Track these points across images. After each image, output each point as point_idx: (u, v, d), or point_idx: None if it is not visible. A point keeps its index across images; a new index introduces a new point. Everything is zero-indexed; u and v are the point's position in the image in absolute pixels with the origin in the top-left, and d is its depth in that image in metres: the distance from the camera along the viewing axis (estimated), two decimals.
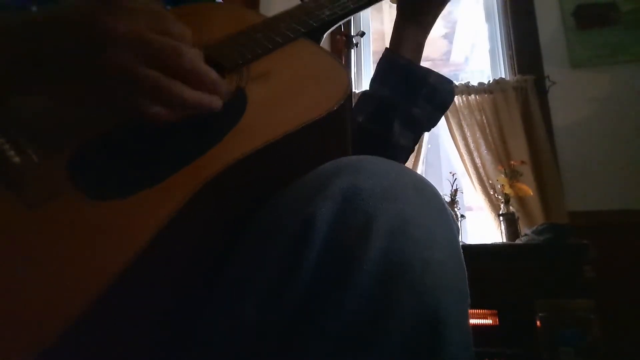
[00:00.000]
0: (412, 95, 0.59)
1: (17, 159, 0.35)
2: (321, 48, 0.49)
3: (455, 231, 0.34)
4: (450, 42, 3.49)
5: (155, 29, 0.35)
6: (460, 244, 0.34)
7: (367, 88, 0.63)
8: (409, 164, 2.13)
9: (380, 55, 0.63)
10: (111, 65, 0.34)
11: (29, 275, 0.28)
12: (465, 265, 0.33)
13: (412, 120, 0.60)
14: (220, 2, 0.66)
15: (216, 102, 0.38)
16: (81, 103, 0.37)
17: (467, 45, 3.47)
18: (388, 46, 0.62)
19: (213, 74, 0.38)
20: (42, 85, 0.36)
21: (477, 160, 2.18)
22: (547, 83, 2.20)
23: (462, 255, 0.33)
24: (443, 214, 0.33)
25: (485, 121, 2.23)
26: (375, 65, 0.63)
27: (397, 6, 0.62)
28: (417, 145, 2.24)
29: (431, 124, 0.63)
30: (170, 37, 0.36)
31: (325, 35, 0.56)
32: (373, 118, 0.60)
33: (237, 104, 0.40)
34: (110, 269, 0.28)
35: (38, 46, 0.35)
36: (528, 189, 1.92)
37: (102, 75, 0.34)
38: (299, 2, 0.55)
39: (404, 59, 0.60)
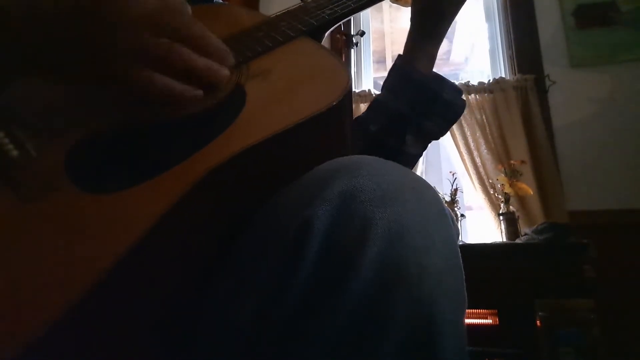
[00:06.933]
0: (425, 110, 0.60)
1: (15, 153, 0.35)
2: (321, 46, 0.49)
3: (454, 236, 0.33)
4: (450, 42, 3.49)
5: (164, 9, 0.36)
6: (460, 244, 0.34)
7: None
8: None
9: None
10: (123, 45, 0.34)
11: (21, 268, 0.28)
12: (463, 271, 0.32)
13: (424, 132, 0.61)
14: (221, 3, 0.66)
15: (224, 70, 0.40)
16: (89, 82, 0.37)
17: (467, 45, 3.47)
18: (402, 53, 0.62)
19: (221, 43, 0.40)
20: (45, 71, 0.36)
21: (477, 160, 2.18)
22: (547, 83, 2.20)
23: (461, 260, 0.33)
24: (442, 219, 0.32)
25: (485, 120, 2.23)
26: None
27: (410, 19, 0.62)
28: None
29: (441, 134, 0.64)
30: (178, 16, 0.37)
31: (325, 35, 0.56)
32: (386, 129, 0.60)
33: (235, 100, 0.40)
34: (102, 263, 0.27)
35: (47, 30, 0.34)
36: (528, 189, 1.92)
37: (113, 54, 0.35)
38: (300, 2, 0.55)
39: (418, 72, 0.60)
